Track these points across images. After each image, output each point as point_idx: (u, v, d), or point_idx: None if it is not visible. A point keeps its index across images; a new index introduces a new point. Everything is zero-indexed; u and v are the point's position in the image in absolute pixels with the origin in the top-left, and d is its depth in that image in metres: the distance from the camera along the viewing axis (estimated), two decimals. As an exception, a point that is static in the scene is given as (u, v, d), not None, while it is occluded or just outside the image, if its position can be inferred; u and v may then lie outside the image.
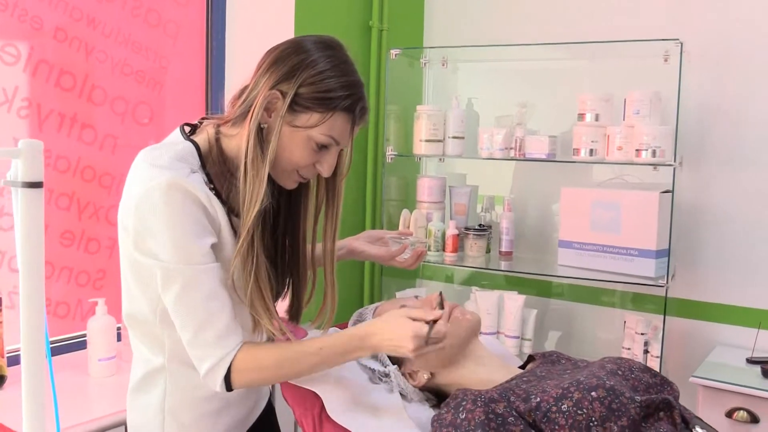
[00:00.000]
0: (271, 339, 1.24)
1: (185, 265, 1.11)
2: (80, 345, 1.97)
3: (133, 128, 2.14)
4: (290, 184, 1.24)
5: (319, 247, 1.35)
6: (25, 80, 1.87)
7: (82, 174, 2.03)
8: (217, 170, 1.21)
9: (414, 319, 1.15)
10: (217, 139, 1.22)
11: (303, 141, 1.16)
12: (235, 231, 1.20)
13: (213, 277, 1.14)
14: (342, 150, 1.25)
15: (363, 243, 1.54)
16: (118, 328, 1.95)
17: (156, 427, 1.28)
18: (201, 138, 1.23)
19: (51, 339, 1.91)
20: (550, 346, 2.66)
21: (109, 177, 2.09)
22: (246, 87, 1.21)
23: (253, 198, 1.14)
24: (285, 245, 1.32)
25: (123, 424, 1.66)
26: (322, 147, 1.18)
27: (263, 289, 1.18)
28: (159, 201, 1.09)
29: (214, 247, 1.16)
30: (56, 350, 1.95)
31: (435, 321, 1.15)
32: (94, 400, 1.68)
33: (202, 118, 1.29)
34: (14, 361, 1.83)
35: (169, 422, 1.27)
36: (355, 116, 1.18)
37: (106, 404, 1.67)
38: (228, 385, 1.15)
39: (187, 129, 1.26)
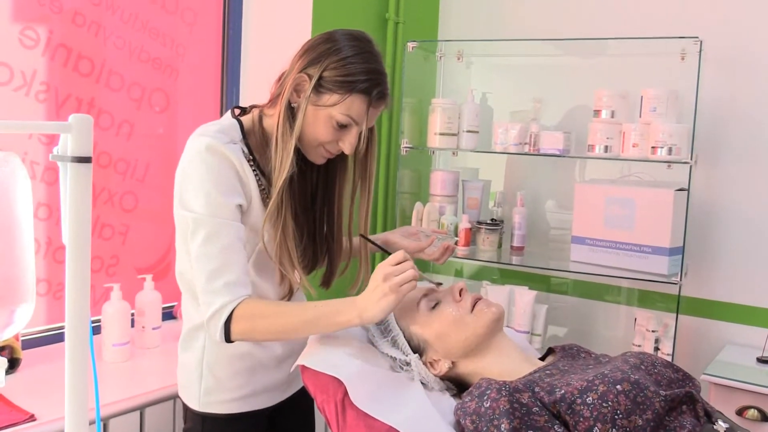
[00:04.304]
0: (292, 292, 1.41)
1: (212, 217, 1.26)
2: (94, 330, 1.97)
3: (148, 115, 2.14)
4: (318, 159, 1.39)
5: (355, 240, 1.52)
6: (43, 64, 1.86)
7: (97, 159, 2.03)
8: (258, 144, 1.37)
9: None
10: (260, 119, 1.39)
11: (325, 119, 1.30)
12: (265, 199, 1.36)
13: (233, 233, 1.28)
14: (371, 132, 1.40)
15: (397, 236, 1.65)
16: (132, 314, 1.95)
17: (195, 380, 1.43)
18: (246, 118, 1.41)
19: (63, 324, 1.91)
20: (560, 342, 2.66)
21: (124, 163, 2.08)
22: (284, 72, 1.36)
23: (282, 166, 1.30)
24: (322, 220, 1.47)
25: (135, 409, 1.66)
26: (342, 126, 1.31)
27: (290, 246, 1.33)
28: (198, 161, 1.27)
29: (241, 208, 1.32)
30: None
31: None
32: (107, 385, 1.68)
33: (252, 105, 1.44)
34: (28, 344, 1.83)
35: (207, 375, 1.42)
36: (371, 98, 1.30)
37: (119, 390, 1.68)
38: (227, 334, 1.25)
39: (237, 111, 1.43)
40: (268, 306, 1.29)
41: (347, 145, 1.33)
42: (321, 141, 1.33)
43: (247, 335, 1.27)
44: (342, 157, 1.42)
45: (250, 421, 1.47)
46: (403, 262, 1.23)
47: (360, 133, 1.34)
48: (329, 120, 1.29)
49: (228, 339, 1.26)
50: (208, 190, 1.26)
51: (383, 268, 1.22)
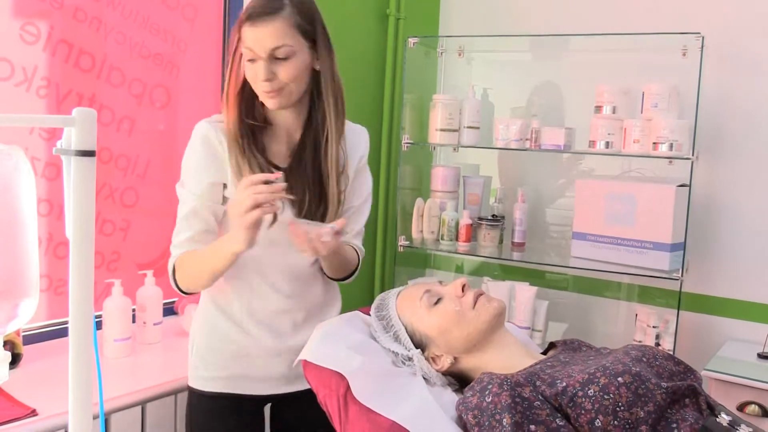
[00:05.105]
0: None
1: (187, 190, 1.46)
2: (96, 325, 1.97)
3: (149, 111, 2.14)
4: (267, 101, 1.43)
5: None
6: (44, 60, 1.86)
7: (99, 155, 2.01)
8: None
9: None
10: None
11: (243, 62, 1.41)
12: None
13: (197, 203, 1.44)
14: (321, 73, 1.44)
15: None
16: (133, 310, 1.95)
17: (190, 356, 1.56)
18: None
19: (66, 319, 1.91)
20: (561, 337, 2.66)
21: (125, 159, 2.08)
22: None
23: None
24: (317, 173, 1.48)
25: (136, 404, 1.66)
26: (251, 60, 1.38)
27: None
28: (190, 143, 1.48)
29: (223, 186, 1.46)
30: (71, 330, 1.95)
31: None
32: (109, 380, 1.68)
33: None
34: (29, 339, 1.83)
35: (195, 353, 1.55)
36: (252, 22, 1.35)
37: (121, 385, 1.67)
38: (177, 282, 1.45)
39: None
40: (190, 255, 1.44)
41: (256, 76, 1.38)
42: (252, 80, 1.41)
43: (185, 283, 1.45)
44: (320, 103, 1.47)
45: (236, 406, 1.51)
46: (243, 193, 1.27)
47: (320, 75, 1.43)
48: (243, 60, 1.41)
49: (179, 289, 1.46)
50: (188, 167, 1.47)
51: (233, 206, 1.31)
